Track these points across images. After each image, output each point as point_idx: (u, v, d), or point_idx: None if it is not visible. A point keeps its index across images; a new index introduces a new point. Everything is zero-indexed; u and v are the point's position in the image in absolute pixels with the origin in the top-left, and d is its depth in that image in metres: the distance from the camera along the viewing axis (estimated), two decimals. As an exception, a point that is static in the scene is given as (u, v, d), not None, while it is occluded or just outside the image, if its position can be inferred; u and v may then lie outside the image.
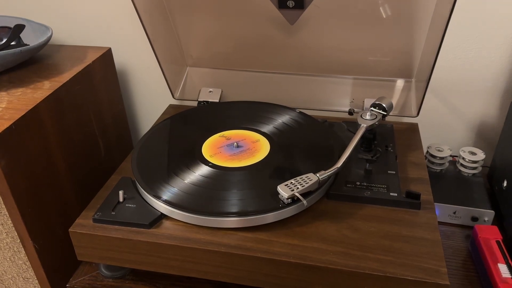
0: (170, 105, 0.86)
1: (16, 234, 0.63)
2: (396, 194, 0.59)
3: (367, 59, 0.80)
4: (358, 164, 0.65)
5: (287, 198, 0.55)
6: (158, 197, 0.57)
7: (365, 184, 0.61)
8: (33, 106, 0.60)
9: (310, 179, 0.57)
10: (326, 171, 0.58)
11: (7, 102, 0.61)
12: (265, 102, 0.78)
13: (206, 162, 0.63)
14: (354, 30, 0.76)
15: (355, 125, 0.73)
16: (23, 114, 0.58)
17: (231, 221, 0.55)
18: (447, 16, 0.61)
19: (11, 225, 0.62)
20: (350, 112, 0.74)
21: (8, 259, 0.67)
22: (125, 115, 0.87)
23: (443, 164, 0.75)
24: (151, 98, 0.94)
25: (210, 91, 0.85)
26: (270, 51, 0.83)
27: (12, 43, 0.69)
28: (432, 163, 0.75)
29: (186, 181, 0.60)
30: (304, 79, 0.85)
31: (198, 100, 0.84)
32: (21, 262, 0.67)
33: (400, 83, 0.81)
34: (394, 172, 0.63)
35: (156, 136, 0.71)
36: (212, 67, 0.87)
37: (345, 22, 0.75)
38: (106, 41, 0.87)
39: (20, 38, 0.70)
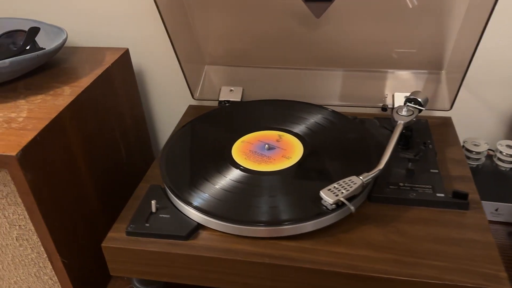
0: (190, 105, 0.83)
1: (42, 249, 0.60)
2: (442, 195, 0.56)
3: (394, 51, 0.76)
4: (398, 163, 0.62)
5: (332, 204, 0.52)
6: (194, 207, 0.54)
7: (408, 185, 0.58)
8: (56, 114, 0.56)
9: (354, 182, 0.54)
10: (370, 173, 0.55)
11: (28, 111, 0.58)
12: (292, 100, 0.75)
13: (240, 167, 0.60)
14: (380, 22, 0.73)
15: (388, 122, 0.71)
16: (46, 123, 0.55)
17: (274, 230, 0.52)
18: (491, 4, 0.58)
19: (37, 240, 0.59)
20: (384, 108, 0.71)
21: (33, 274, 0.64)
22: (144, 117, 0.84)
23: (479, 159, 0.72)
24: (169, 99, 0.91)
25: (231, 90, 0.82)
26: (292, 46, 0.79)
27: (27, 47, 0.65)
28: (468, 158, 0.73)
29: (220, 188, 0.57)
30: (328, 74, 0.81)
31: (219, 99, 0.81)
32: (47, 277, 0.64)
33: (429, 75, 0.78)
34: (436, 171, 0.60)
35: (182, 140, 0.67)
36: (231, 65, 0.84)
37: (370, 13, 0.72)
38: (120, 42, 0.83)
39: (35, 41, 0.66)
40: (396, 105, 0.74)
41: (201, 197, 0.56)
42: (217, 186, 0.57)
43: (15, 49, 0.66)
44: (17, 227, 0.59)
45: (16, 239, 0.60)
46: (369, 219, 0.55)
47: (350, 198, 0.53)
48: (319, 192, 0.53)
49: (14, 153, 0.50)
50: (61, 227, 0.58)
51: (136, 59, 0.84)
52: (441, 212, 0.55)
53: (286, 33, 0.77)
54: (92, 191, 0.65)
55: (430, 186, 0.58)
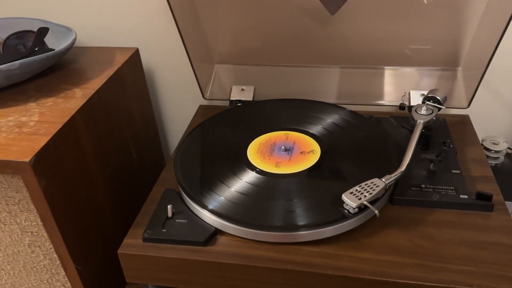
0: (201, 105, 0.81)
1: (55, 255, 0.58)
2: (466, 196, 0.55)
3: (409, 48, 0.75)
4: (419, 164, 0.60)
5: (355, 208, 0.50)
6: (212, 211, 0.53)
7: (430, 186, 0.57)
8: (69, 117, 0.55)
9: (376, 185, 0.52)
10: (392, 175, 0.54)
11: (39, 115, 0.56)
12: (305, 99, 0.73)
13: (256, 169, 0.58)
14: (394, 18, 0.71)
15: (404, 120, 0.69)
16: (60, 127, 0.53)
17: (295, 235, 0.51)
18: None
19: (50, 246, 0.58)
20: (402, 107, 0.70)
21: (45, 281, 0.63)
22: (154, 118, 0.82)
23: (498, 158, 0.71)
24: (179, 99, 0.89)
25: (242, 89, 0.80)
26: (304, 43, 0.77)
27: (36, 48, 0.64)
28: (487, 156, 0.71)
29: (237, 191, 0.55)
30: (341, 72, 0.80)
31: (230, 99, 0.79)
32: (59, 284, 0.62)
33: (445, 72, 0.76)
34: (458, 172, 0.59)
35: (195, 141, 0.66)
36: (242, 64, 0.82)
37: (384, 9, 0.71)
38: (129, 41, 0.81)
39: (44, 42, 0.65)
40: (412, 103, 0.73)
41: (217, 201, 0.54)
42: (232, 189, 0.56)
43: (24, 50, 0.64)
44: (29, 233, 0.57)
45: (28, 245, 0.59)
46: (392, 222, 0.54)
47: (372, 202, 0.52)
48: (340, 195, 0.52)
49: (27, 159, 0.48)
50: (74, 232, 0.57)
51: (145, 59, 0.82)
52: (465, 214, 0.54)
53: (298, 30, 0.76)
54: (104, 195, 0.64)
55: (453, 187, 0.56)
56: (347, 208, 0.51)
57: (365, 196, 0.51)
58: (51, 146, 0.51)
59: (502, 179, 0.69)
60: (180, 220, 0.54)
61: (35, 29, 0.67)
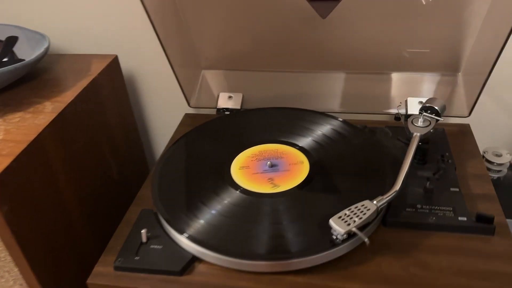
0: (186, 114, 0.77)
1: (25, 281, 0.54)
2: (465, 218, 0.51)
3: (406, 52, 0.70)
4: (414, 180, 0.56)
5: (343, 234, 0.46)
6: (189, 237, 0.49)
7: (427, 207, 0.52)
8: (36, 135, 0.51)
9: (367, 208, 0.48)
10: (385, 197, 0.49)
11: (4, 132, 0.52)
12: (296, 108, 0.69)
13: (240, 188, 0.54)
14: (390, 20, 0.67)
15: (400, 131, 0.65)
16: (24, 147, 0.49)
17: (279, 265, 0.47)
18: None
19: (18, 272, 0.54)
20: (397, 117, 0.65)
21: (18, 305, 0.59)
22: (137, 129, 0.78)
23: (501, 171, 0.66)
24: (165, 107, 0.85)
25: (229, 97, 0.76)
26: (296, 48, 0.73)
27: (5, 59, 0.59)
28: (489, 169, 0.67)
29: (220, 215, 0.51)
30: (334, 78, 0.75)
31: (217, 107, 0.75)
32: (32, 309, 0.59)
33: (444, 78, 0.71)
34: (457, 190, 0.55)
35: (175, 156, 0.62)
36: (230, 69, 0.78)
37: (380, 11, 0.66)
38: (108, 48, 0.77)
39: (13, 52, 0.61)
40: (410, 111, 0.68)
41: (196, 225, 0.50)
42: (213, 211, 0.52)
43: (-10, 61, 0.60)
44: (-3, 259, 0.53)
45: (-3, 270, 0.55)
46: (385, 247, 0.49)
47: (363, 226, 0.47)
48: (329, 218, 0.48)
49: (-15, 185, 0.44)
50: (44, 258, 0.53)
51: (127, 66, 0.78)
52: (464, 238, 0.50)
53: (289, 34, 0.71)
54: (79, 217, 0.60)
55: (451, 208, 0.52)
56: (336, 235, 0.47)
57: (355, 221, 0.47)
58: (14, 168, 0.47)
59: (505, 193, 0.65)
60: (155, 246, 0.50)
61: (5, 38, 0.63)
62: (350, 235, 0.47)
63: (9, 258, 0.53)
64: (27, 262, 0.50)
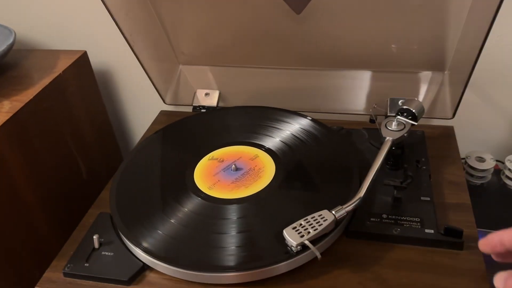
0: (162, 111, 0.75)
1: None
2: (432, 231, 0.48)
3: (389, 49, 0.66)
4: (383, 188, 0.53)
5: (296, 246, 0.44)
6: (139, 245, 0.47)
7: (393, 217, 0.50)
8: (-14, 137, 0.49)
9: (324, 218, 0.45)
10: (344, 206, 0.46)
11: (-44, 133, 0.51)
12: (269, 106, 0.66)
13: (200, 194, 0.52)
14: (373, 16, 0.63)
15: (377, 134, 0.61)
16: (-29, 150, 0.48)
17: (231, 277, 0.44)
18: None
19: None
20: (372, 120, 0.62)
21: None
22: (111, 127, 0.76)
23: (484, 177, 0.63)
24: (142, 104, 0.82)
25: (206, 94, 0.74)
26: (275, 43, 0.70)
27: (-37, 56, 0.58)
28: (471, 175, 0.63)
29: (174, 222, 0.49)
30: (314, 75, 0.72)
31: (193, 105, 0.73)
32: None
33: (429, 76, 0.68)
34: (428, 199, 0.51)
35: (140, 157, 0.60)
36: (208, 64, 0.75)
37: (362, 6, 0.62)
38: (80, 43, 0.75)
39: (-27, 48, 0.59)
40: (390, 112, 0.65)
41: (149, 232, 0.48)
42: (168, 218, 0.50)
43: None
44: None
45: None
46: (346, 260, 0.47)
47: (321, 236, 0.45)
48: (285, 228, 0.45)
49: None
50: (3, 265, 0.52)
51: (100, 59, 0.75)
52: (430, 253, 0.47)
53: (268, 29, 0.68)
54: (41, 219, 0.59)
55: (419, 219, 0.49)
56: (289, 247, 0.45)
57: (309, 232, 0.44)
58: (-42, 173, 0.46)
59: (488, 201, 0.62)
60: (107, 253, 0.49)
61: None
62: (305, 246, 0.44)
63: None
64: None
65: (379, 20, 0.63)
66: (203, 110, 0.72)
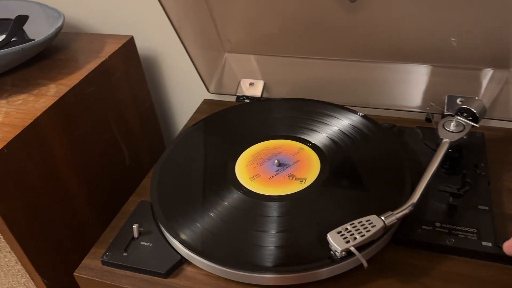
0: (205, 100, 0.74)
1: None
2: (490, 244, 0.44)
3: (449, 42, 0.62)
4: (437, 194, 0.49)
5: (341, 252, 0.41)
6: (177, 237, 0.46)
7: (447, 226, 0.46)
8: (32, 120, 0.50)
9: (373, 224, 0.43)
10: (395, 212, 0.43)
11: (4, 115, 0.51)
12: (317, 100, 0.63)
13: (241, 188, 0.50)
14: (433, 6, 0.58)
15: (433, 134, 0.57)
16: (18, 132, 0.48)
17: (270, 278, 0.43)
18: None
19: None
20: (428, 119, 0.58)
21: (22, 284, 0.60)
22: (155, 114, 0.75)
23: (550, 185, 0.57)
24: (186, 91, 0.81)
25: (251, 84, 0.72)
26: (325, 33, 0.67)
27: (13, 38, 0.59)
28: (535, 183, 0.58)
29: (213, 215, 0.48)
30: (366, 67, 0.68)
31: (237, 94, 0.71)
32: (35, 288, 0.59)
33: (491, 74, 0.62)
34: (487, 208, 0.47)
35: (182, 147, 0.59)
36: (253, 53, 0.73)
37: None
38: (129, 26, 0.74)
39: (23, 31, 0.59)
40: (446, 111, 0.60)
41: (189, 225, 0.47)
42: (209, 212, 0.48)
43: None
44: (-3, 239, 0.54)
45: (0, 250, 0.55)
46: (392, 269, 0.44)
47: (367, 244, 0.42)
48: (329, 231, 0.43)
49: (-28, 171, 0.43)
50: (41, 245, 0.53)
51: (145, 45, 0.75)
52: (486, 267, 0.43)
53: (319, 17, 0.65)
54: (83, 202, 0.59)
55: (475, 230, 0.45)
56: (333, 251, 0.42)
57: (355, 238, 0.42)
58: (5, 154, 0.46)
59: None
60: (145, 243, 0.48)
61: (27, 13, 0.62)
62: (350, 253, 0.42)
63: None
64: (20, 247, 0.50)
65: (440, 11, 0.59)
66: (246, 100, 0.70)
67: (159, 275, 0.45)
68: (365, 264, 0.40)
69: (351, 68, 0.69)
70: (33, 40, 0.58)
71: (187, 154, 0.58)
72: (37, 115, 0.50)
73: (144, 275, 0.46)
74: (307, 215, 0.47)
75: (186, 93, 0.82)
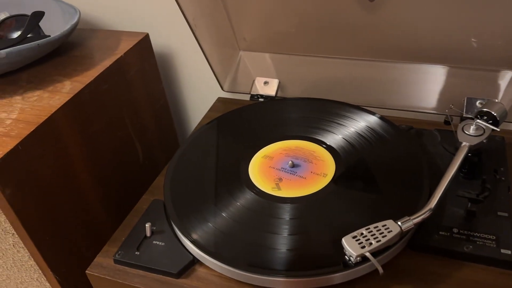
0: (219, 98, 0.73)
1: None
2: (509, 252, 0.43)
3: (469, 43, 0.60)
4: (455, 199, 0.48)
5: (356, 257, 0.41)
6: (188, 237, 0.46)
7: (465, 232, 0.45)
8: (46, 117, 0.50)
9: (389, 230, 0.42)
10: (412, 218, 0.43)
11: (19, 111, 0.51)
12: (332, 100, 0.62)
13: (253, 189, 0.50)
14: (453, 5, 0.57)
15: (452, 137, 0.56)
16: (33, 129, 0.48)
17: (282, 282, 0.42)
18: None
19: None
20: (447, 121, 0.57)
21: (35, 279, 0.60)
22: (169, 111, 0.75)
23: None
24: (200, 89, 0.81)
25: (265, 82, 0.71)
26: (342, 32, 0.66)
27: (29, 34, 0.59)
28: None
29: (225, 215, 0.48)
30: (383, 67, 0.67)
31: (251, 93, 0.70)
32: (48, 284, 0.60)
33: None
34: (506, 215, 0.46)
35: (195, 146, 0.58)
36: (269, 52, 0.72)
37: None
38: (144, 23, 0.74)
39: (39, 27, 0.60)
40: (465, 114, 0.59)
41: (201, 225, 0.47)
42: (222, 212, 0.48)
43: (15, 37, 0.59)
44: (11, 235, 0.54)
45: (13, 245, 0.56)
46: (407, 275, 0.43)
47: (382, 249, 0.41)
48: (344, 235, 0.42)
49: (-14, 167, 0.43)
50: (54, 242, 0.53)
51: (160, 42, 0.74)
52: (505, 275, 0.42)
53: (336, 16, 0.64)
54: (96, 200, 0.59)
55: (494, 237, 0.44)
56: (348, 256, 0.41)
57: (371, 244, 0.41)
58: (19, 151, 0.46)
59: None
60: (158, 242, 0.48)
61: (43, 9, 0.62)
62: (365, 258, 0.41)
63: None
64: (33, 243, 0.50)
65: (461, 10, 0.57)
66: (260, 99, 0.70)
67: (171, 275, 0.45)
68: (381, 271, 0.39)
69: (368, 67, 0.68)
70: (49, 36, 0.59)
71: (200, 153, 0.57)
72: (52, 112, 0.50)
73: (156, 274, 0.46)
74: (320, 218, 0.46)
75: (199, 91, 0.81)
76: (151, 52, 0.68)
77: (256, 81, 0.71)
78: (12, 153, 0.45)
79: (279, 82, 0.70)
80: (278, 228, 0.46)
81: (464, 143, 0.49)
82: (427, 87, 0.65)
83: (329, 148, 0.54)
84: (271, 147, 0.55)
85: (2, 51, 0.52)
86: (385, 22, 0.62)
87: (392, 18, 0.61)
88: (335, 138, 0.56)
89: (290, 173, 0.51)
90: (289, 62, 0.72)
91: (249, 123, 0.61)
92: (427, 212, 0.43)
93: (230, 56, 0.73)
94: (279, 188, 0.50)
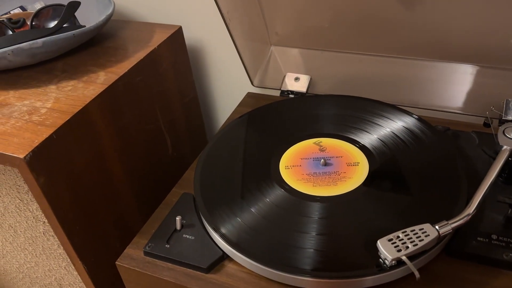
0: (249, 93, 0.72)
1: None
2: (552, 262, 0.41)
3: (509, 43, 0.58)
4: (494, 204, 0.46)
5: (391, 261, 0.40)
6: (217, 231, 0.45)
7: (504, 239, 0.43)
8: (81, 107, 0.50)
9: (426, 233, 0.41)
10: (450, 222, 0.41)
11: (54, 101, 0.52)
12: (366, 98, 0.61)
13: (284, 186, 0.49)
14: (494, 4, 0.55)
15: (491, 140, 0.54)
16: (68, 118, 0.48)
17: (314, 282, 0.41)
18: None
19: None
20: (487, 124, 0.55)
21: (63, 267, 0.61)
22: (199, 104, 0.75)
23: None
24: (229, 83, 0.80)
25: (296, 78, 0.70)
26: (376, 28, 0.64)
27: (65, 24, 0.59)
28: None
29: (254, 211, 0.47)
30: (419, 66, 0.65)
31: (282, 89, 0.70)
32: (76, 273, 0.60)
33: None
34: (548, 223, 0.44)
35: (225, 141, 0.58)
36: (300, 47, 0.71)
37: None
38: (177, 15, 0.73)
39: (75, 17, 0.60)
40: (505, 116, 0.57)
41: (232, 221, 0.46)
42: (252, 209, 0.47)
43: (51, 26, 0.60)
44: (42, 223, 0.54)
45: (43, 233, 0.56)
46: (443, 281, 0.42)
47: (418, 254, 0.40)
48: (379, 237, 0.41)
49: (22, 155, 0.44)
50: (84, 231, 0.53)
51: (192, 35, 0.74)
52: (548, 287, 0.40)
53: (371, 11, 0.62)
54: (128, 191, 0.59)
55: (536, 246, 0.42)
56: (383, 259, 0.40)
57: (407, 247, 0.40)
58: (54, 140, 0.47)
59: None
60: (188, 236, 0.48)
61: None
62: (400, 262, 0.40)
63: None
64: (63, 232, 0.51)
65: (501, 9, 0.55)
66: (291, 95, 0.69)
67: (201, 269, 0.45)
68: (417, 275, 0.38)
69: (403, 65, 0.66)
70: (84, 26, 0.59)
71: (230, 147, 0.57)
72: (87, 102, 0.50)
73: (185, 268, 0.45)
74: (351, 219, 0.45)
75: (229, 86, 0.81)
76: (183, 45, 0.67)
77: (286, 77, 0.70)
78: (47, 142, 0.46)
79: (311, 79, 0.69)
80: (308, 227, 0.45)
81: (505, 147, 0.48)
82: (464, 87, 0.63)
83: (363, 148, 0.53)
84: (303, 144, 0.55)
85: (38, 40, 0.53)
86: (422, 19, 0.60)
87: (430, 15, 0.59)
88: (370, 137, 0.54)
89: (322, 172, 0.50)
90: (320, 58, 0.70)
91: (281, 119, 0.60)
92: (465, 217, 0.42)
93: (261, 51, 0.72)
94: (311, 186, 0.49)
